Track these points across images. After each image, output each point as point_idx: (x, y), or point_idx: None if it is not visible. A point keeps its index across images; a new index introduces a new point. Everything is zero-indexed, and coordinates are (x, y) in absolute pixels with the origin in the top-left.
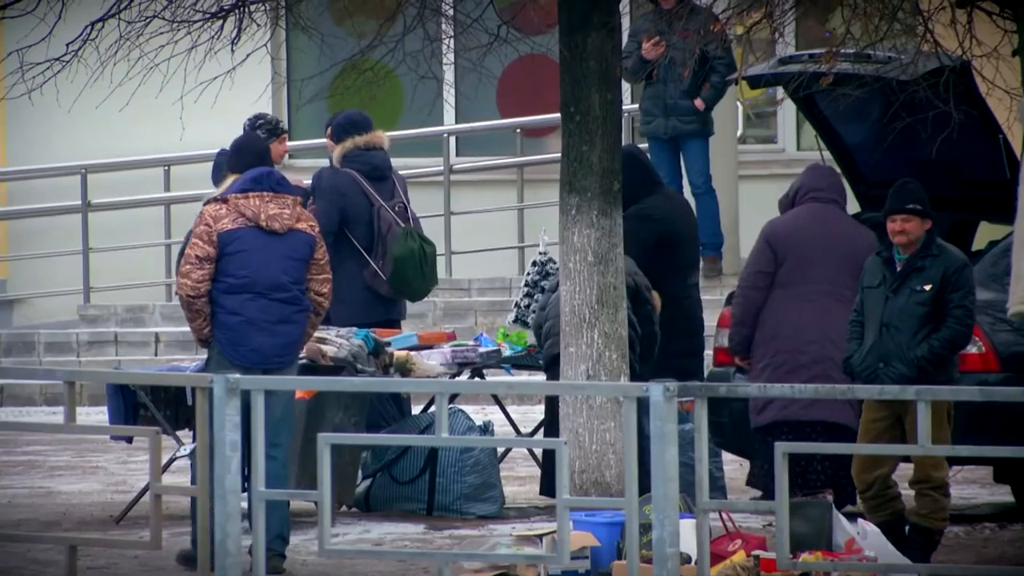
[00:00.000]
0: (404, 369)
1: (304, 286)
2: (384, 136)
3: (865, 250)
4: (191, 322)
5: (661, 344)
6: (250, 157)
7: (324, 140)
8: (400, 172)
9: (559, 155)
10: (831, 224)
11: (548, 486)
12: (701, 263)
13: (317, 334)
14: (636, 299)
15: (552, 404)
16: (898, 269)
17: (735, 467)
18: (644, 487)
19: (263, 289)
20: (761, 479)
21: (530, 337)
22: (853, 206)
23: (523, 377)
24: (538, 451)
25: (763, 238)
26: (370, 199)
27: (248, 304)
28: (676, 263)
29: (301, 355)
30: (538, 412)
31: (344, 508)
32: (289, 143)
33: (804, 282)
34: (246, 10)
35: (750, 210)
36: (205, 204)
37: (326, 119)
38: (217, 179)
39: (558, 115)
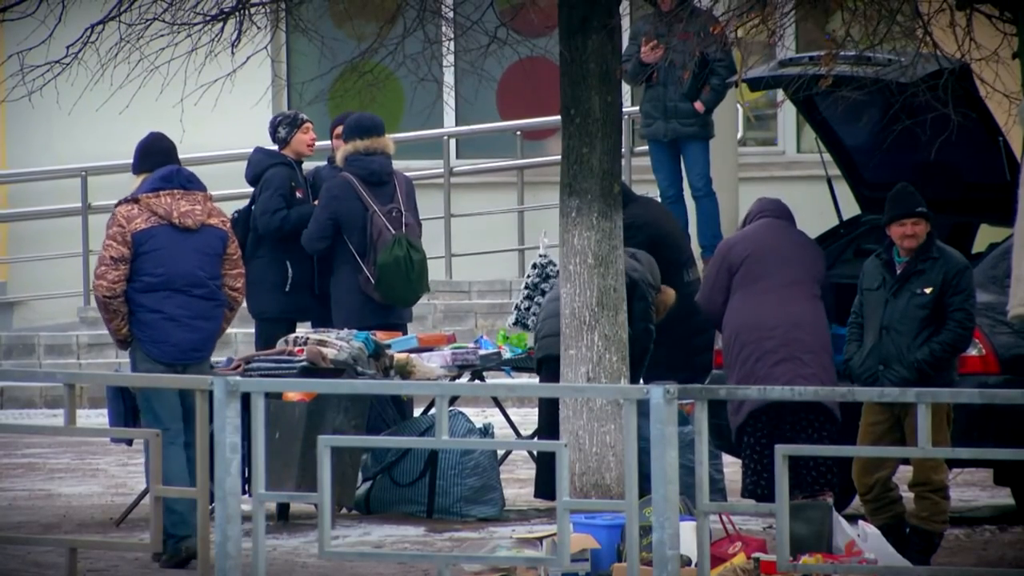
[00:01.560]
0: (404, 372)
1: (219, 281)
2: (388, 141)
3: (818, 261)
4: (109, 323)
5: (676, 341)
6: (157, 156)
7: (326, 142)
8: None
9: (559, 157)
10: (782, 231)
11: (542, 488)
12: (700, 264)
13: (317, 336)
14: (632, 295)
15: (543, 407)
16: (898, 272)
17: (735, 469)
18: (644, 489)
19: (181, 286)
20: (752, 483)
21: (530, 340)
22: (853, 208)
23: (523, 379)
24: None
25: (716, 257)
26: (364, 204)
27: (166, 301)
28: (670, 262)
29: (301, 357)
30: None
31: (344, 510)
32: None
33: (764, 277)
34: (246, 12)
35: None
36: (117, 205)
37: (327, 121)
38: (250, 176)
39: (558, 117)
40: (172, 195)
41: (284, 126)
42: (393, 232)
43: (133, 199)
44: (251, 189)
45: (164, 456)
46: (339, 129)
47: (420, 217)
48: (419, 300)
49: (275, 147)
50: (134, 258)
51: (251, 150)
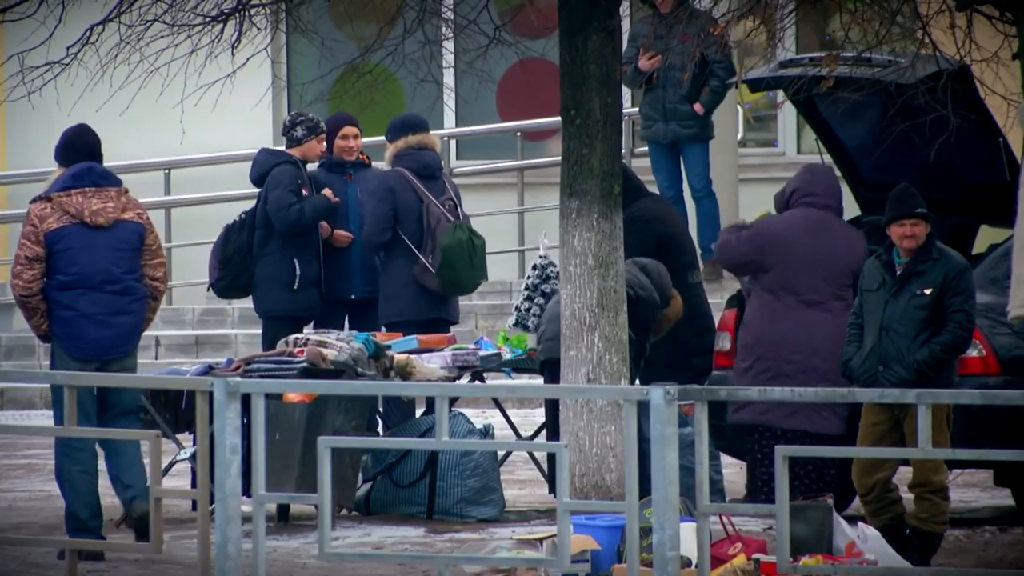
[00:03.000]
0: (404, 373)
1: (138, 274)
2: (436, 139)
3: (857, 256)
4: (28, 320)
5: (676, 343)
6: (80, 154)
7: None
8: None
9: (559, 158)
10: (824, 233)
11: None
12: (702, 265)
13: (318, 337)
14: (633, 313)
15: (550, 408)
16: (898, 272)
17: (735, 470)
18: (644, 490)
19: (95, 283)
20: (758, 482)
21: (530, 341)
22: (853, 209)
23: (523, 380)
24: (539, 454)
25: (755, 238)
26: (419, 195)
27: (81, 299)
28: (675, 263)
29: (301, 358)
30: (539, 415)
31: (344, 511)
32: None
33: (791, 291)
34: (246, 14)
35: (751, 213)
36: (31, 203)
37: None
38: (255, 175)
39: (558, 118)
40: (83, 193)
41: (303, 127)
42: (452, 220)
43: (46, 197)
44: (252, 189)
45: (71, 455)
46: (347, 129)
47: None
48: (477, 287)
49: (282, 144)
50: (48, 256)
51: (251, 151)
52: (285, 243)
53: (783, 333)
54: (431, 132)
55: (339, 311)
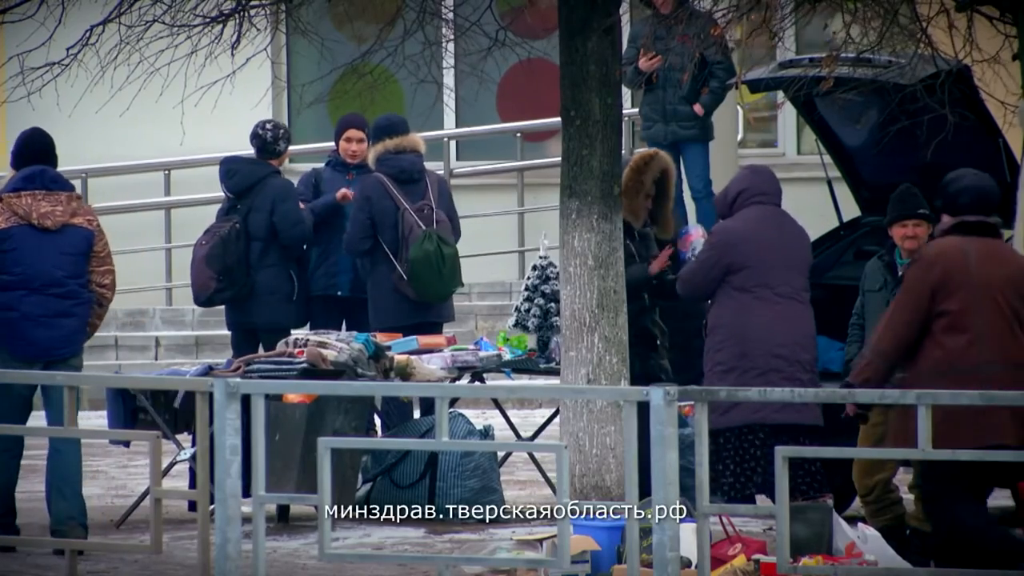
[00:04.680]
0: (404, 373)
1: (84, 279)
2: (417, 139)
3: (808, 255)
4: None
5: (676, 344)
6: (33, 157)
7: (329, 143)
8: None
9: (559, 159)
10: (783, 227)
11: None
12: None
13: (317, 338)
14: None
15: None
16: (900, 273)
17: None
18: (644, 491)
19: (38, 285)
20: (728, 485)
21: (530, 341)
22: (853, 210)
23: (523, 381)
24: (539, 455)
25: (715, 249)
26: (395, 202)
27: (24, 300)
28: (678, 261)
29: (301, 359)
30: (539, 416)
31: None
32: (290, 147)
33: (767, 286)
34: (246, 14)
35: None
36: None
37: (327, 123)
38: (241, 186)
39: (558, 119)
40: (33, 196)
41: (284, 140)
42: (423, 228)
43: None
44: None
45: None
46: (351, 132)
47: (452, 216)
48: (452, 295)
49: (253, 152)
50: None
51: (251, 151)
52: (284, 254)
53: (767, 327)
54: (414, 133)
55: (330, 309)
